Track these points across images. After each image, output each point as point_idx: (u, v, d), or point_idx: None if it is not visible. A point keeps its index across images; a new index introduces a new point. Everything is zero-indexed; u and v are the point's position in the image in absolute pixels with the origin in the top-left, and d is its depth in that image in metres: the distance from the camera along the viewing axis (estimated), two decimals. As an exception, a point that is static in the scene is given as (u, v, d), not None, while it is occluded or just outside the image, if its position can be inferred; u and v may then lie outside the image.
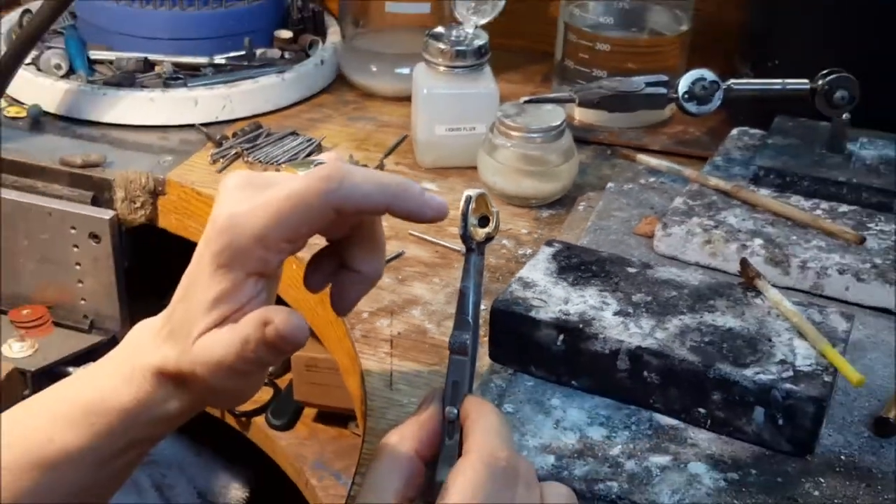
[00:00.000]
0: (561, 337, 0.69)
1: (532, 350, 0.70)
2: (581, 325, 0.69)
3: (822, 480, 0.63)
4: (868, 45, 0.96)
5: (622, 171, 0.98)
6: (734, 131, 1.00)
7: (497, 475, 0.48)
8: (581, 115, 1.12)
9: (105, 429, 0.54)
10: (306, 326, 0.51)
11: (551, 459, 0.64)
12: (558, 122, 0.95)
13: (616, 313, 0.70)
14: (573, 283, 0.73)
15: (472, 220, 0.54)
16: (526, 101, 0.90)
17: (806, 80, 0.88)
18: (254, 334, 0.50)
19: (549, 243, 0.78)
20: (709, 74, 0.86)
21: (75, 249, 1.00)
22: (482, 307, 0.55)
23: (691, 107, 0.86)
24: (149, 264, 1.04)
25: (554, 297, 0.71)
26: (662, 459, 0.64)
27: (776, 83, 0.89)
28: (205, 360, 0.52)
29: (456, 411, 0.53)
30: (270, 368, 0.54)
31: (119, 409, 0.54)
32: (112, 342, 1.04)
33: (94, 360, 1.01)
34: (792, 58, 0.99)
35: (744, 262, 0.74)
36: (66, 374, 1.00)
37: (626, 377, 0.68)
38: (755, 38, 1.07)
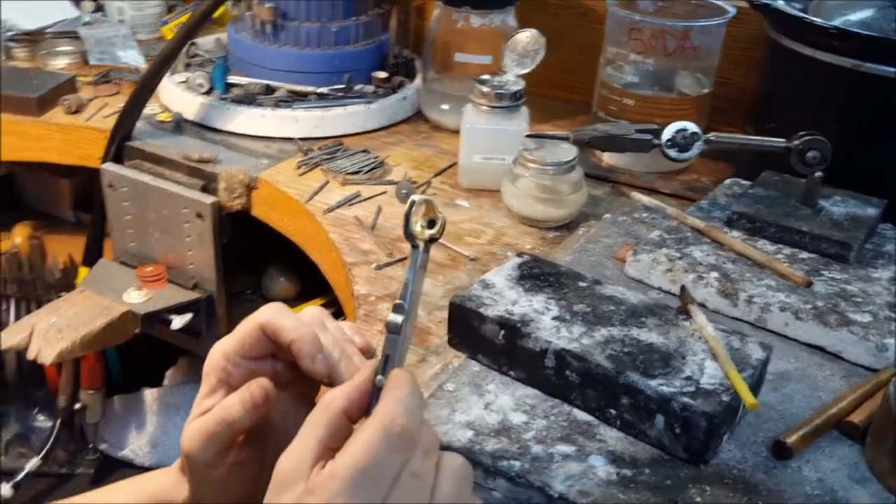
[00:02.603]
0: (502, 332, 0.63)
1: (480, 341, 0.64)
2: (519, 325, 0.62)
3: (708, 489, 0.55)
4: (852, 115, 0.84)
5: (622, 206, 0.90)
6: (727, 181, 0.90)
7: (392, 439, 0.43)
8: (608, 158, 1.04)
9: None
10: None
11: (470, 434, 0.58)
12: (570, 158, 0.88)
13: (554, 318, 0.63)
14: (527, 289, 0.66)
15: (422, 221, 0.50)
16: (527, 136, 0.84)
17: (783, 140, 0.78)
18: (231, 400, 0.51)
19: (519, 255, 0.71)
20: (691, 126, 0.77)
21: (186, 225, 1.00)
22: (420, 297, 0.51)
23: (672, 153, 0.77)
24: (242, 242, 1.03)
25: (505, 299, 0.65)
26: (567, 449, 0.57)
27: (754, 139, 0.79)
28: (188, 434, 0.52)
29: (384, 380, 0.48)
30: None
31: (153, 493, 0.57)
32: (209, 300, 1.04)
33: (193, 312, 1.02)
34: (786, 121, 0.88)
35: (683, 289, 0.66)
36: (169, 320, 1.01)
37: (553, 374, 0.61)
38: (759, 103, 0.96)
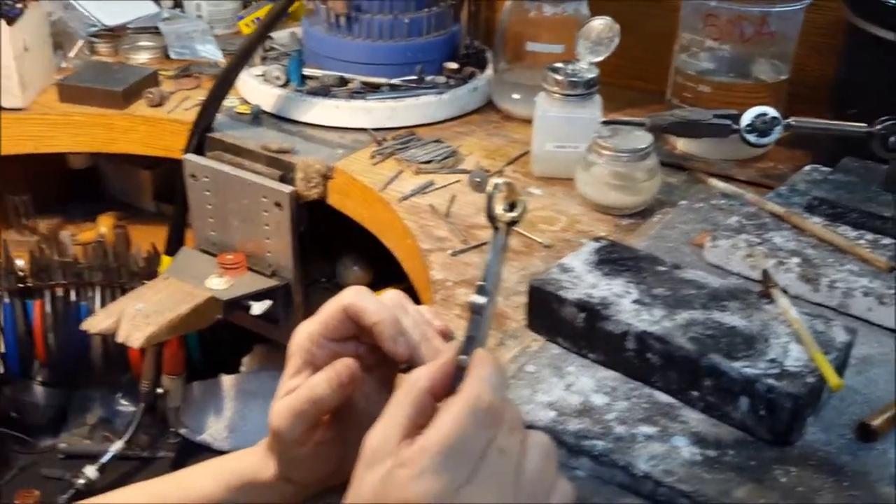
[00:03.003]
0: (582, 315, 0.64)
1: (559, 324, 0.66)
2: (599, 307, 0.63)
3: (793, 470, 0.55)
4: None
5: (697, 193, 0.90)
6: (807, 167, 0.89)
7: (478, 414, 0.44)
8: (682, 145, 1.04)
9: (231, 485, 0.60)
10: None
11: (552, 414, 0.59)
12: (645, 146, 0.88)
13: (634, 301, 0.64)
14: (606, 273, 0.67)
15: (503, 205, 0.51)
16: (603, 123, 0.84)
17: (865, 124, 0.77)
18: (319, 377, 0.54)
19: (596, 239, 0.72)
20: (771, 111, 0.77)
21: (265, 213, 1.04)
22: (501, 279, 0.52)
23: (751, 137, 0.77)
24: (316, 231, 1.06)
25: (584, 282, 0.66)
26: (650, 429, 0.58)
27: (835, 124, 0.78)
28: (276, 412, 0.55)
29: (468, 360, 0.50)
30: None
31: (241, 470, 0.60)
32: (286, 287, 1.07)
33: (272, 299, 1.06)
34: (867, 106, 0.87)
35: (765, 273, 0.66)
36: (248, 307, 1.05)
37: (633, 356, 0.62)
38: (838, 89, 0.95)
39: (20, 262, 1.22)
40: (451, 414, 0.44)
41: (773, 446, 0.57)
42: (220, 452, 1.30)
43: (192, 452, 1.33)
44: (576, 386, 0.62)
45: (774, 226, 0.78)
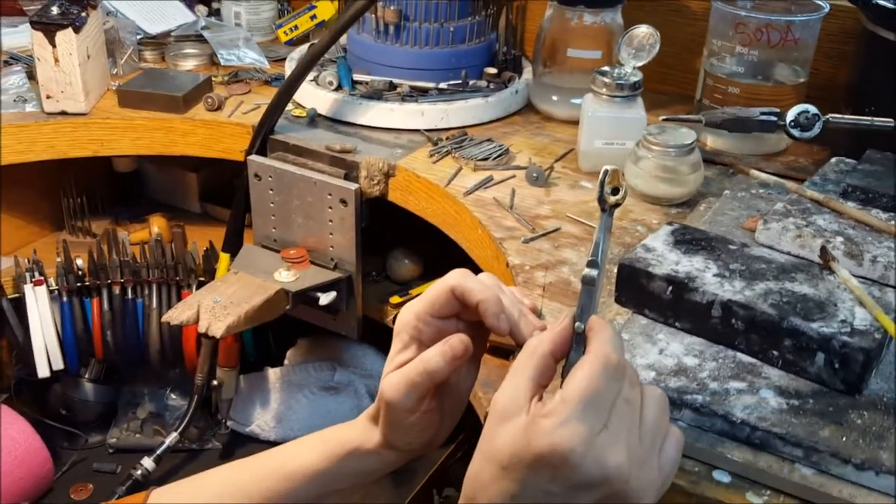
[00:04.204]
0: (670, 288, 0.73)
1: (647, 297, 0.75)
2: (686, 281, 0.72)
3: (865, 413, 0.65)
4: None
5: (738, 184, 1.00)
6: (833, 160, 1.00)
7: (609, 370, 0.51)
8: (711, 141, 1.14)
9: (334, 455, 0.65)
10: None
11: (652, 374, 0.68)
12: (689, 142, 0.98)
13: (715, 275, 0.73)
14: (684, 252, 0.77)
15: (607, 189, 0.59)
16: (664, 120, 0.94)
17: (891, 119, 0.88)
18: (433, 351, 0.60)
19: (670, 223, 0.82)
20: (812, 108, 0.87)
21: (329, 210, 1.11)
22: (608, 255, 0.60)
23: (796, 132, 0.87)
24: (379, 226, 1.14)
25: (668, 260, 0.75)
26: (740, 385, 0.67)
27: (866, 120, 0.89)
28: (390, 384, 0.61)
29: (583, 326, 0.57)
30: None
31: (344, 441, 0.65)
32: (348, 280, 1.15)
33: (336, 290, 1.13)
34: (883, 106, 0.98)
35: (823, 248, 0.76)
36: (316, 298, 1.12)
37: (718, 323, 0.71)
38: (855, 90, 1.06)
39: (79, 262, 1.28)
40: (586, 370, 0.51)
41: (845, 395, 0.66)
42: (267, 443, 1.37)
43: (240, 444, 1.40)
44: (668, 350, 0.71)
45: (816, 210, 0.89)
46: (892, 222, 0.86)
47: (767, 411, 0.65)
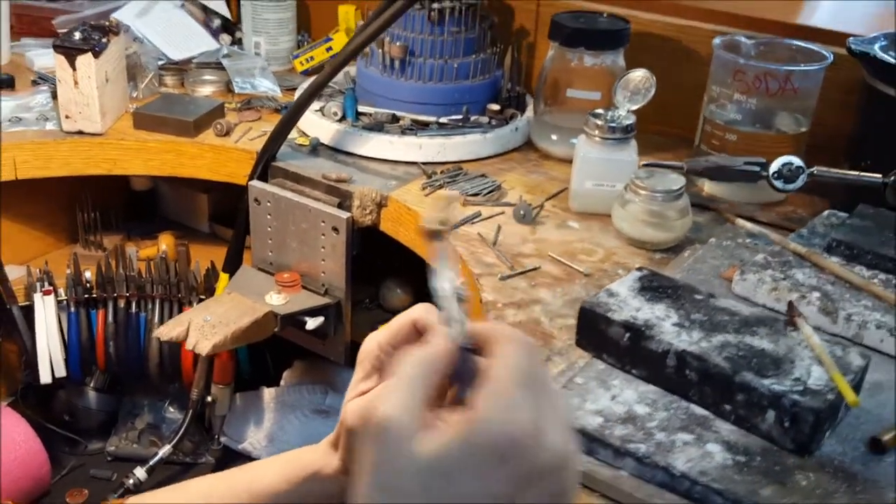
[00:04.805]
0: (627, 335, 0.72)
1: (605, 342, 0.74)
2: (643, 328, 0.71)
3: (812, 475, 0.63)
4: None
5: (725, 232, 0.99)
6: (825, 212, 0.98)
7: (528, 346, 0.46)
8: (709, 188, 1.12)
9: (294, 478, 0.64)
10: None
11: (600, 420, 0.67)
12: (677, 187, 0.97)
13: (674, 324, 0.72)
14: (648, 299, 0.76)
15: (437, 217, 0.52)
16: (644, 165, 0.93)
17: (879, 175, 0.86)
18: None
19: (639, 269, 0.80)
20: (796, 160, 0.85)
21: (322, 237, 1.12)
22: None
23: (779, 184, 0.86)
24: (370, 254, 1.15)
25: (629, 306, 0.74)
26: (687, 437, 0.66)
27: (852, 174, 0.87)
28: (351, 411, 0.57)
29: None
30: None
31: (305, 464, 0.64)
32: (338, 306, 1.15)
33: (324, 315, 1.14)
34: (882, 159, 0.95)
35: (790, 304, 0.74)
36: (304, 322, 1.13)
37: (673, 373, 0.70)
38: (855, 143, 1.04)
39: (87, 274, 1.31)
40: (507, 355, 0.45)
41: (794, 455, 0.64)
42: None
43: (233, 459, 1.40)
44: (621, 397, 0.70)
45: (797, 263, 0.87)
46: (875, 280, 0.83)
47: (710, 466, 0.63)
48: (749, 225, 0.94)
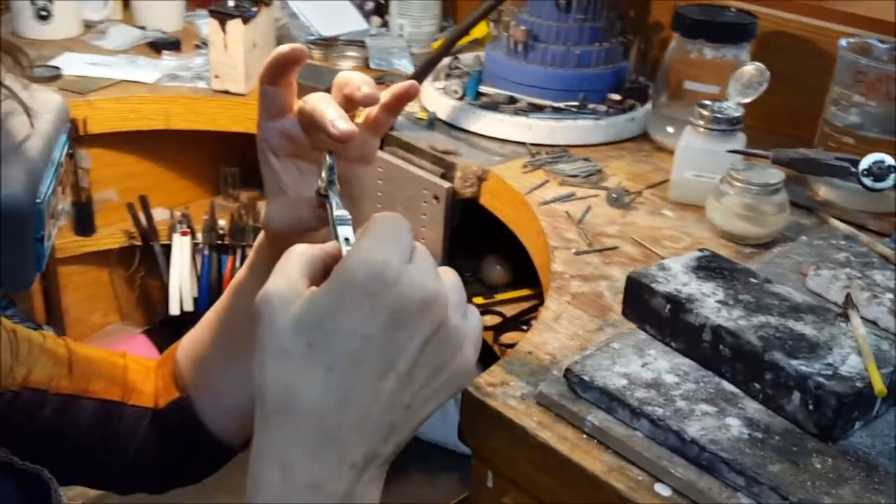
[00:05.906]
0: (668, 306, 0.74)
1: (648, 313, 0.76)
2: (684, 301, 0.73)
3: (830, 460, 0.63)
4: None
5: (821, 232, 0.97)
6: (936, 223, 0.94)
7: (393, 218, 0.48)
8: (824, 192, 1.09)
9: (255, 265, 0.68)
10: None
11: (624, 381, 0.70)
12: (775, 182, 0.96)
13: (718, 301, 0.73)
14: (700, 277, 0.77)
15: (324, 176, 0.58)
16: (729, 151, 0.93)
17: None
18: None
19: (700, 249, 0.82)
20: (888, 159, 0.83)
21: (424, 204, 1.20)
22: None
23: (867, 181, 0.84)
24: (467, 229, 1.21)
25: (677, 280, 0.76)
26: (709, 409, 0.67)
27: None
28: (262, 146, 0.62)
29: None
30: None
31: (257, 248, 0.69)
32: (434, 272, 1.23)
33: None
34: None
35: (847, 296, 0.73)
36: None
37: (708, 347, 0.71)
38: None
39: (222, 223, 1.46)
40: (375, 221, 0.47)
41: (817, 440, 0.64)
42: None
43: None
44: (652, 366, 0.72)
45: (880, 265, 0.84)
46: (968, 292, 0.80)
47: (724, 437, 0.64)
48: (842, 226, 0.92)
